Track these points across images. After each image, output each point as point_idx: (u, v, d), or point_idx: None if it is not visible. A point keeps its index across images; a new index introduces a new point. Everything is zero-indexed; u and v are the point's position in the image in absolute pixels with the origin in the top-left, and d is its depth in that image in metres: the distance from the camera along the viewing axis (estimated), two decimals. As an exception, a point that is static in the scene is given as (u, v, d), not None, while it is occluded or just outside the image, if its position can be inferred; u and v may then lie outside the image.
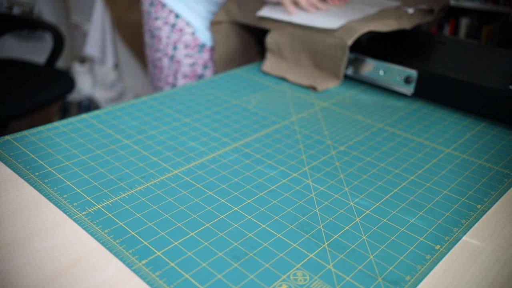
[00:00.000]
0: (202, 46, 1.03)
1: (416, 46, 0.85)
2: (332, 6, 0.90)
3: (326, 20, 0.82)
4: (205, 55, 1.04)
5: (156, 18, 1.02)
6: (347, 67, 0.81)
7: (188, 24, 1.01)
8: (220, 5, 1.00)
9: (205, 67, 1.05)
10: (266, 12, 0.87)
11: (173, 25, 1.01)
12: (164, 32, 1.02)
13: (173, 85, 1.06)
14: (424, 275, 0.40)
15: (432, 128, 0.66)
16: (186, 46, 1.02)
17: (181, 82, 1.06)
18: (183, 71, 1.05)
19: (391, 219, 0.47)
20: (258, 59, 1.04)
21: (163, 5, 1.00)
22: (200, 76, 1.06)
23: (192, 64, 1.04)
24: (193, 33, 1.01)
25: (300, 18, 0.83)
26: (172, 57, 1.04)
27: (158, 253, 0.41)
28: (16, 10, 2.28)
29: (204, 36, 1.02)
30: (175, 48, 1.03)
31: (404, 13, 0.85)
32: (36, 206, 0.46)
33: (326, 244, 0.43)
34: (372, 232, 0.45)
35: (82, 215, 0.45)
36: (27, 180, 0.50)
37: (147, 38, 1.08)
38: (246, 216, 0.46)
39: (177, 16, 1.00)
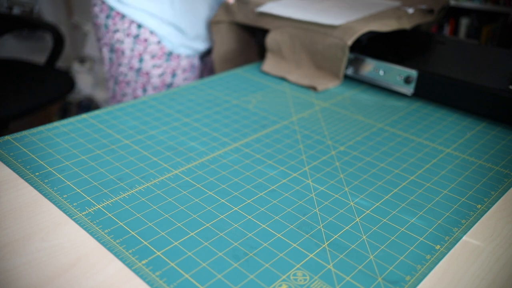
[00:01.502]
0: (169, 54, 0.98)
1: (416, 46, 0.85)
2: (332, 6, 0.90)
3: (327, 17, 0.82)
4: (173, 63, 0.99)
5: (116, 31, 0.96)
6: (347, 67, 0.81)
7: (152, 33, 0.95)
8: (182, 10, 0.96)
9: (173, 75, 1.00)
10: (265, 8, 0.87)
11: (136, 36, 0.95)
12: (127, 44, 0.96)
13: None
14: (424, 275, 0.40)
15: (432, 128, 0.66)
16: (153, 56, 0.97)
17: (150, 93, 1.00)
18: (152, 83, 1.00)
19: (391, 219, 0.47)
20: (258, 59, 1.04)
21: (122, 16, 0.93)
22: (169, 85, 1.01)
23: (161, 74, 0.99)
24: (159, 42, 0.96)
25: (301, 15, 0.83)
26: (138, 70, 0.98)
27: (158, 253, 0.41)
28: (16, 10, 2.28)
29: (171, 44, 0.98)
30: (141, 60, 0.97)
31: (404, 13, 0.86)
32: (36, 206, 0.46)
33: (326, 244, 0.43)
34: (372, 232, 0.45)
35: (82, 215, 0.45)
36: (27, 180, 0.50)
37: (104, 53, 1.01)
38: (246, 216, 0.46)
39: (139, 26, 0.94)
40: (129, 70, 0.99)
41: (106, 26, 0.95)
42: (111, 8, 0.93)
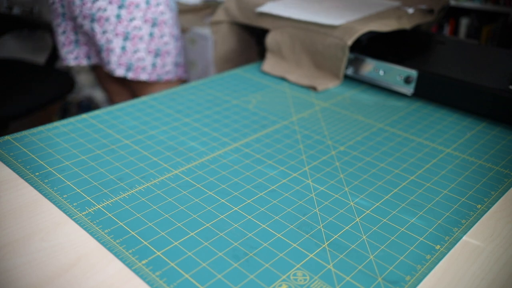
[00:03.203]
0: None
1: (416, 46, 0.85)
2: (332, 6, 0.90)
3: (327, 17, 0.82)
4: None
5: (158, 4, 1.02)
6: (347, 67, 0.81)
7: None
8: None
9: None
10: (265, 8, 0.87)
11: (172, 5, 1.05)
12: (168, 14, 1.03)
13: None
14: (424, 275, 0.40)
15: (432, 128, 0.66)
16: (177, 20, 1.08)
17: (182, 60, 1.10)
18: (181, 47, 1.10)
19: (391, 219, 0.47)
20: (258, 59, 1.04)
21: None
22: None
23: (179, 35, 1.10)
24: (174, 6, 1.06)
25: (301, 15, 0.83)
26: (176, 37, 1.07)
27: (158, 253, 0.41)
28: (16, 10, 2.28)
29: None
30: (177, 26, 1.07)
31: (404, 13, 0.86)
32: (36, 206, 0.46)
33: (326, 244, 0.43)
34: (372, 232, 0.45)
35: (82, 215, 0.45)
36: (27, 180, 0.50)
37: (145, 29, 1.02)
38: (246, 216, 0.46)
39: None
40: (171, 39, 1.04)
41: (148, 2, 1.00)
42: None
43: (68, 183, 0.50)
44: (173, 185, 0.51)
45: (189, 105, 0.70)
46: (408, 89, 0.75)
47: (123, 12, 0.97)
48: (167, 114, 0.67)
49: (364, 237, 0.44)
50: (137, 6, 0.98)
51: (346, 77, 0.82)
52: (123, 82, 1.18)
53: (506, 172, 0.56)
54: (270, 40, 0.85)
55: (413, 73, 0.73)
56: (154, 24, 1.01)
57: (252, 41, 1.02)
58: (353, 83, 0.80)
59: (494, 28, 1.95)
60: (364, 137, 0.63)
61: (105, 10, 0.96)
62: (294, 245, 0.43)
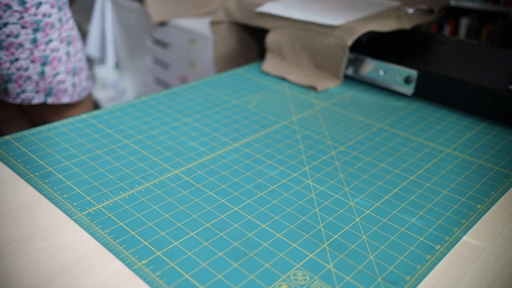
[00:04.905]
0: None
1: (416, 46, 0.85)
2: (332, 6, 0.90)
3: (327, 17, 0.82)
4: None
5: (68, 19, 0.89)
6: (347, 67, 0.81)
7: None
8: None
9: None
10: (265, 8, 0.87)
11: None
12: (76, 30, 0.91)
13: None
14: (424, 275, 0.40)
15: (432, 128, 0.66)
16: None
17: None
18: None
19: (391, 219, 0.47)
20: (257, 59, 1.04)
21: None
22: None
23: None
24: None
25: (301, 15, 0.83)
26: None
27: (158, 253, 0.41)
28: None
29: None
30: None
31: (404, 13, 0.86)
32: (36, 206, 0.46)
33: (326, 244, 0.43)
34: (372, 232, 0.45)
35: (82, 215, 0.45)
36: (27, 180, 0.50)
37: (63, 48, 0.87)
38: (246, 216, 0.46)
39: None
40: (82, 54, 0.93)
41: (60, 20, 0.87)
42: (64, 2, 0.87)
43: (68, 183, 0.50)
44: (173, 185, 0.51)
45: (189, 105, 0.70)
46: (408, 89, 0.75)
47: (39, 35, 0.84)
48: (167, 114, 0.67)
49: (364, 237, 0.44)
50: (52, 26, 0.84)
51: (346, 77, 0.82)
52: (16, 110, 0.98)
53: (506, 172, 0.56)
54: (270, 40, 0.85)
55: (413, 73, 0.73)
56: (69, 42, 0.88)
57: (252, 41, 1.02)
58: (353, 83, 0.80)
59: (494, 28, 1.95)
60: (364, 137, 0.63)
61: (17, 36, 0.82)
62: (294, 245, 0.43)
